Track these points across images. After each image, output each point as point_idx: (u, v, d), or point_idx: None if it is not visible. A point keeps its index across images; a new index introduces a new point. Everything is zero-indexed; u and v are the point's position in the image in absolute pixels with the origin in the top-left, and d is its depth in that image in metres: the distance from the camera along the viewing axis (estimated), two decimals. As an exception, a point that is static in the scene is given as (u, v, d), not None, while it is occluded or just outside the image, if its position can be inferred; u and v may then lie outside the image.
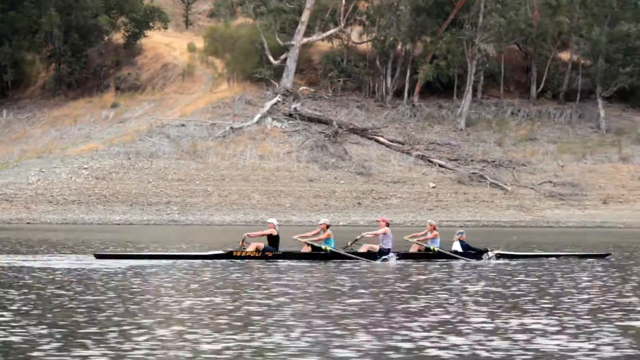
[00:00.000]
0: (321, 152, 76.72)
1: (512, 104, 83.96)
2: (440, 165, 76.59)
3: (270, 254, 26.51)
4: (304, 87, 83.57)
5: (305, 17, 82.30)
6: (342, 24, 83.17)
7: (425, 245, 28.57)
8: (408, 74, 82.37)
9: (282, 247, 27.07)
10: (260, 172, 75.03)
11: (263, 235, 27.17)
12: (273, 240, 26.71)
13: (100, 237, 43.17)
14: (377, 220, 28.77)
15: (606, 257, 29.75)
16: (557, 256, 29.82)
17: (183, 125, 78.62)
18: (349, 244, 27.79)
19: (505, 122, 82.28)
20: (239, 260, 25.97)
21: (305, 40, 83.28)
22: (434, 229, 28.62)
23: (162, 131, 78.31)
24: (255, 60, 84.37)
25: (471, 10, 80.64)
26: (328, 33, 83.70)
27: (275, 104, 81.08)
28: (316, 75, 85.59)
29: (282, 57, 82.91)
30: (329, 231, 27.11)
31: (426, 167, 76.88)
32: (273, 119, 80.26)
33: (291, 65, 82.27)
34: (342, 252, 27.28)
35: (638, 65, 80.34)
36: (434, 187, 74.59)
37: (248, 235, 27.31)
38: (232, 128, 78.27)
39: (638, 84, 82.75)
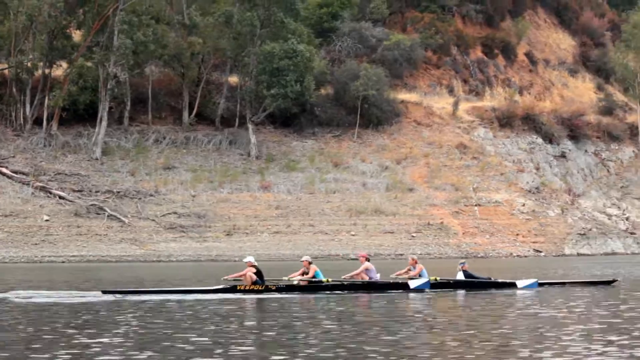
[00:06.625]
0: None
1: (157, 131, 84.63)
2: (60, 197, 76.45)
3: (274, 287, 28.97)
4: None
5: None
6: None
7: (415, 279, 30.15)
8: (46, 101, 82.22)
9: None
10: None
11: (241, 275, 29.08)
12: (257, 275, 28.96)
13: None
14: (358, 256, 31.52)
15: (612, 284, 31.92)
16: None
17: None
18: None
19: (146, 150, 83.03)
20: (242, 295, 27.89)
21: None
22: (416, 262, 30.83)
23: None
24: None
25: (105, 32, 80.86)
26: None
27: None
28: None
29: None
30: (313, 266, 29.51)
31: (45, 199, 76.86)
32: None
33: None
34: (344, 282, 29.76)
35: (283, 87, 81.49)
36: (47, 220, 74.45)
37: (226, 279, 29.23)
38: None
39: (285, 107, 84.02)
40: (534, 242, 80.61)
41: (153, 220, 77.08)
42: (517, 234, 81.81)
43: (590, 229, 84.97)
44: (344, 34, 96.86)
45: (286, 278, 30.15)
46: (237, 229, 77.34)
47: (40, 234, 74.45)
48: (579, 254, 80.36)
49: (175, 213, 78.18)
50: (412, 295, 28.39)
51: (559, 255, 78.76)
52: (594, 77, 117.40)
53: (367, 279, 30.01)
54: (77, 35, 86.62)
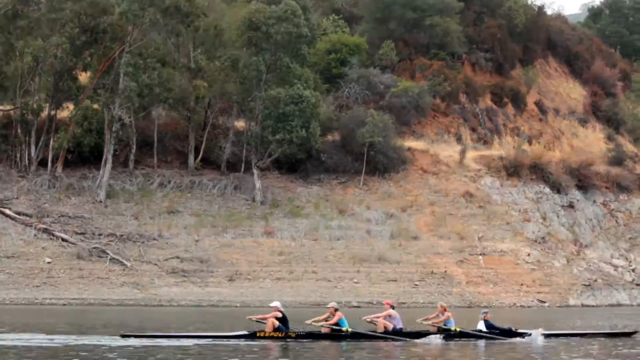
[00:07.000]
0: None
1: (162, 175, 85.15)
2: (63, 239, 76.89)
3: (294, 334, 29.07)
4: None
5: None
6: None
7: (440, 326, 30.79)
8: (51, 142, 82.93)
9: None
10: None
11: (265, 318, 29.42)
12: (282, 321, 29.22)
13: None
14: (383, 303, 31.43)
15: (632, 336, 32.29)
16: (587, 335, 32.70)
17: None
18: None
19: (151, 194, 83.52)
20: (262, 341, 28.09)
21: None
22: (445, 310, 31.26)
23: None
24: None
25: (111, 74, 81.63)
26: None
27: None
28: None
29: None
30: (338, 313, 29.72)
31: (48, 241, 77.35)
32: None
33: None
34: (365, 332, 29.88)
35: (289, 132, 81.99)
36: (49, 262, 74.86)
37: (250, 318, 29.77)
38: None
39: (291, 153, 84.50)
40: (538, 293, 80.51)
41: (155, 264, 77.28)
42: (522, 284, 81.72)
43: (595, 280, 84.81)
44: (352, 80, 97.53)
45: (308, 322, 30.28)
46: (239, 274, 77.45)
47: (42, 276, 74.70)
48: (583, 305, 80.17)
49: (178, 257, 78.38)
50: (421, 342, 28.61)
51: (563, 306, 78.58)
52: (604, 127, 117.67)
53: (390, 325, 30.11)
54: (83, 77, 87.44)
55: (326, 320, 30.17)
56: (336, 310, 30.14)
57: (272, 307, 29.75)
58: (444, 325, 30.97)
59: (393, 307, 30.81)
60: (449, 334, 30.66)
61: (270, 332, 29.01)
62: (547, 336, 31.48)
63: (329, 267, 79.75)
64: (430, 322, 31.35)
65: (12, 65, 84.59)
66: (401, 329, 30.33)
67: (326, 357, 24.29)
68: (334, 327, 29.73)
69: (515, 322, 41.44)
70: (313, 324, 30.09)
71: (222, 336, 29.09)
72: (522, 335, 31.26)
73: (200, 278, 76.37)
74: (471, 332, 31.04)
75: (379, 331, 30.20)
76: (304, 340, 28.93)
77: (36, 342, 27.64)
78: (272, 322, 29.12)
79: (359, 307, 71.34)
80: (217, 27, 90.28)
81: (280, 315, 29.32)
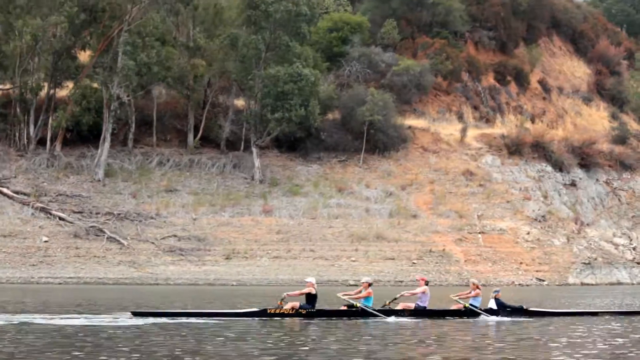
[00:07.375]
0: None
1: (161, 153, 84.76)
2: (60, 218, 76.57)
3: (304, 312, 28.49)
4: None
5: None
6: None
7: (467, 303, 30.67)
8: (50, 121, 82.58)
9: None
10: None
11: (302, 294, 29.02)
12: (311, 298, 28.72)
13: None
14: (417, 279, 30.76)
15: None
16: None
17: None
18: (387, 302, 29.67)
19: (149, 173, 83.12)
20: (273, 318, 27.71)
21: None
22: (477, 287, 31.10)
23: None
24: None
25: (110, 53, 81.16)
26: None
27: None
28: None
29: None
30: (369, 289, 29.19)
31: (45, 220, 76.98)
32: None
33: None
34: (372, 310, 28.98)
35: (288, 111, 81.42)
36: (46, 241, 74.58)
37: (288, 294, 29.08)
38: None
39: (290, 131, 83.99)
40: (537, 271, 79.90)
41: (152, 243, 76.95)
42: (521, 263, 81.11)
43: (595, 259, 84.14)
44: (354, 59, 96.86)
45: (339, 295, 29.97)
46: (236, 253, 77.04)
47: (39, 254, 74.45)
48: (582, 284, 79.55)
49: (175, 236, 78.04)
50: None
51: (562, 285, 77.96)
52: (608, 105, 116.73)
53: (410, 305, 29.73)
54: (82, 56, 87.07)
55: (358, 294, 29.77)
56: (369, 285, 29.60)
57: (307, 282, 29.26)
58: (469, 303, 30.75)
59: (427, 283, 30.34)
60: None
61: (279, 310, 28.55)
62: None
63: (327, 246, 79.24)
64: (457, 298, 31.15)
65: (11, 44, 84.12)
66: (424, 307, 29.78)
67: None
68: (351, 301, 29.29)
69: (512, 300, 41.08)
70: (343, 297, 29.60)
71: (232, 313, 28.57)
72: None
73: (197, 257, 75.96)
74: (479, 310, 30.75)
75: (397, 309, 29.72)
76: (316, 318, 28.23)
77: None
78: (292, 305, 28.55)
79: (356, 285, 70.69)
80: (217, 5, 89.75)
81: (313, 291, 28.81)
